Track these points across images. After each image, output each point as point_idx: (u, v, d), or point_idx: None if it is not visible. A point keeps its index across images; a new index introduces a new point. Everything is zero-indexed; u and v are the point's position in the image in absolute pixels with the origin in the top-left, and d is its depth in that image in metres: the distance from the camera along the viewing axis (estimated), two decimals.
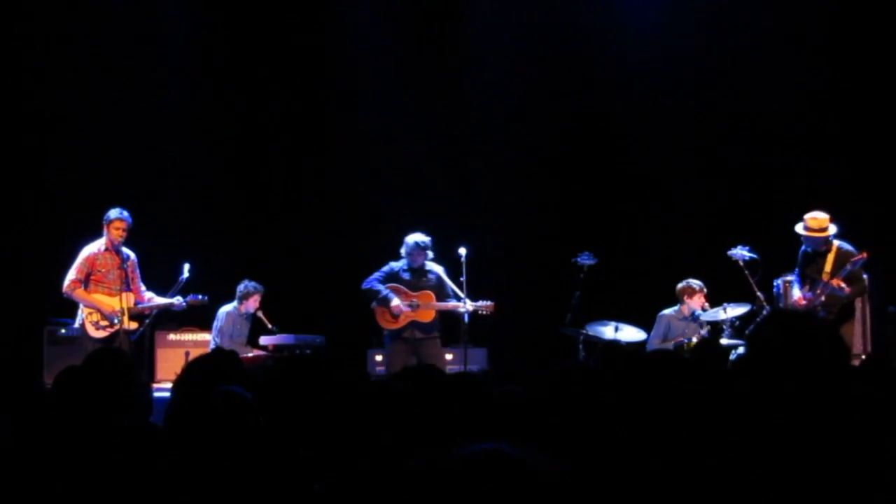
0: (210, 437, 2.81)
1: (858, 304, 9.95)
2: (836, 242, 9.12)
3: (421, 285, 9.55)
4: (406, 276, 9.57)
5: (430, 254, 9.56)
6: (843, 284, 8.86)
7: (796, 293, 9.29)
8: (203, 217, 11.96)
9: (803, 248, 9.30)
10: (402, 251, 9.58)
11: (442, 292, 9.52)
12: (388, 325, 9.55)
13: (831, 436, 2.41)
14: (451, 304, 9.46)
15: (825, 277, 9.00)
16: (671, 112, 11.87)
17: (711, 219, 11.44)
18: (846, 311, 9.12)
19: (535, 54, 12.31)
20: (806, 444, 2.39)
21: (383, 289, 9.47)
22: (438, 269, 9.61)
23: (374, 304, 9.58)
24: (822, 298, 9.02)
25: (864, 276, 9.26)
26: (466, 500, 1.64)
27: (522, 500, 1.63)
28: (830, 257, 9.07)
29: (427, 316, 9.48)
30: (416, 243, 9.49)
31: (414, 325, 9.48)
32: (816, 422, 2.42)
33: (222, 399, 3.04)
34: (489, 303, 9.48)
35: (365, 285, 9.57)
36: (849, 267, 8.88)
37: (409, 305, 9.44)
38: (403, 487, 2.47)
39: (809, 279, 9.23)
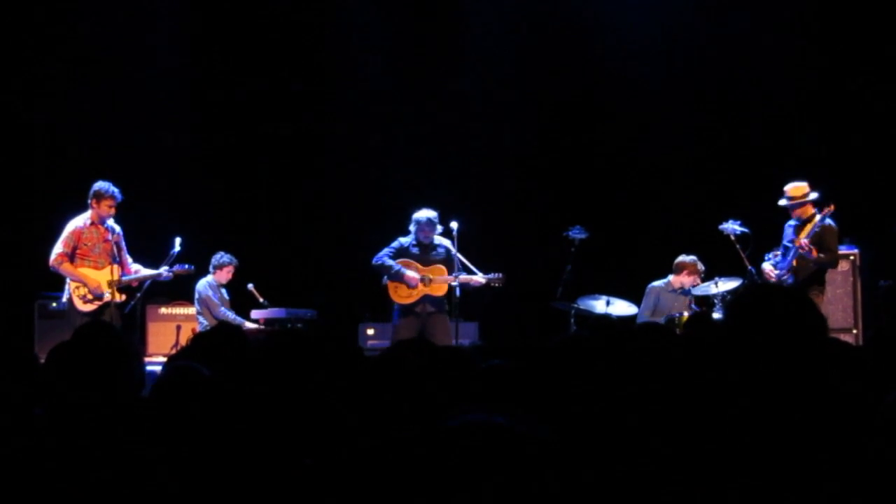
0: (194, 411, 2.81)
1: (850, 278, 9.99)
2: (817, 214, 9.19)
3: (431, 259, 9.55)
4: (415, 250, 9.58)
5: (440, 228, 9.57)
6: (809, 245, 8.90)
7: (766, 266, 9.32)
8: (194, 191, 11.91)
9: (788, 223, 9.33)
10: (412, 227, 9.58)
11: (452, 266, 9.53)
12: (402, 300, 9.52)
13: (808, 405, 2.41)
14: (464, 276, 9.46)
15: (797, 243, 9.06)
16: (664, 86, 11.85)
17: (703, 193, 11.43)
18: (815, 280, 9.14)
19: (528, 29, 12.26)
20: (782, 414, 2.40)
21: (394, 263, 9.46)
22: (447, 243, 9.61)
23: (385, 280, 9.58)
24: (793, 263, 9.09)
25: (841, 249, 9.31)
26: (457, 470, 1.64)
27: (512, 467, 1.63)
28: (808, 226, 9.13)
29: (440, 290, 9.48)
30: (429, 219, 9.50)
31: (426, 299, 9.49)
32: (792, 392, 2.43)
33: (177, 374, 3.03)
34: (500, 275, 9.50)
35: (376, 261, 9.56)
36: (816, 227, 8.92)
37: (422, 280, 9.44)
38: (393, 459, 2.47)
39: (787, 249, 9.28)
